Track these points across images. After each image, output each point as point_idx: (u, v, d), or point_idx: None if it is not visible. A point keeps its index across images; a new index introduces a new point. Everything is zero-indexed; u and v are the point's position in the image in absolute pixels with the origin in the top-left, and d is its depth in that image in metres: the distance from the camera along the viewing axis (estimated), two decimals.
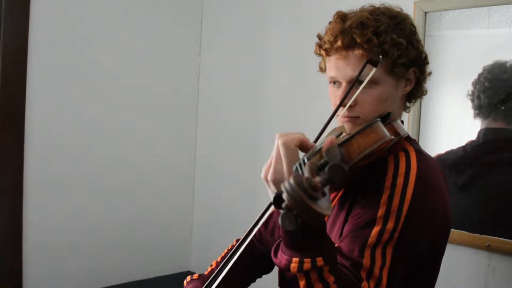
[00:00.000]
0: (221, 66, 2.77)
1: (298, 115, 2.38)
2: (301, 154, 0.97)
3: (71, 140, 2.39)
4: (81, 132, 2.42)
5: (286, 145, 0.94)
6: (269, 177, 0.95)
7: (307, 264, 0.90)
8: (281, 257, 0.95)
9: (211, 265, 1.41)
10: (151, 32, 2.66)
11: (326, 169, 0.69)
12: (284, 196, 0.69)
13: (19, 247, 2.22)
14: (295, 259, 0.92)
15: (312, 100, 2.29)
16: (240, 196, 2.62)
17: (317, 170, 0.73)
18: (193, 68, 2.85)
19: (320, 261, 0.91)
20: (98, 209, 2.49)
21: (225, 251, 1.43)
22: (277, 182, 0.94)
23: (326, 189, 0.72)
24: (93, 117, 2.46)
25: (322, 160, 0.72)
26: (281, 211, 0.70)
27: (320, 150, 0.94)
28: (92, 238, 2.47)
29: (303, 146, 0.97)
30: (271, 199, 0.96)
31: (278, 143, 0.95)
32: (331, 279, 0.92)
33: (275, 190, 0.95)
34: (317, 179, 0.70)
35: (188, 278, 1.38)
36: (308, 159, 0.91)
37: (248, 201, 2.55)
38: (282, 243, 0.96)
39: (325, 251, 0.92)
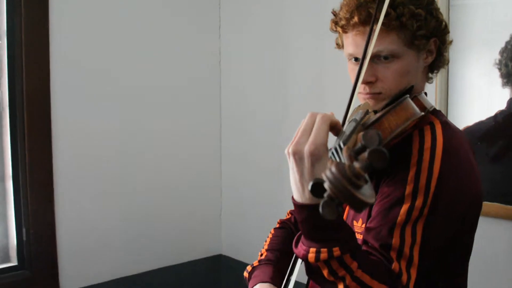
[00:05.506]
0: (243, 54, 2.75)
1: (323, 99, 2.34)
2: None
3: (100, 140, 2.44)
4: (109, 132, 2.46)
5: (323, 119, 0.93)
6: (290, 149, 0.93)
7: (323, 254, 0.91)
8: (300, 248, 0.96)
9: (261, 254, 1.36)
10: (169, 25, 2.65)
11: (367, 154, 0.66)
12: (326, 185, 0.67)
13: (53, 238, 2.28)
14: (312, 249, 0.93)
15: (336, 83, 2.25)
16: (266, 180, 2.62)
17: (354, 155, 0.71)
18: (213, 58, 2.84)
19: (336, 251, 0.91)
20: (131, 199, 2.55)
21: (270, 236, 1.39)
22: (296, 154, 0.92)
23: (367, 176, 0.70)
24: (122, 116, 2.50)
25: (360, 145, 0.70)
26: (321, 200, 0.68)
27: (352, 133, 0.92)
28: (124, 227, 2.52)
29: (336, 128, 0.96)
30: (292, 174, 0.94)
31: (316, 117, 0.94)
32: (354, 265, 0.93)
33: (294, 163, 0.93)
34: (358, 165, 0.67)
35: (249, 268, 1.32)
36: (344, 144, 0.89)
37: (274, 183, 2.56)
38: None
39: (342, 240, 0.92)
